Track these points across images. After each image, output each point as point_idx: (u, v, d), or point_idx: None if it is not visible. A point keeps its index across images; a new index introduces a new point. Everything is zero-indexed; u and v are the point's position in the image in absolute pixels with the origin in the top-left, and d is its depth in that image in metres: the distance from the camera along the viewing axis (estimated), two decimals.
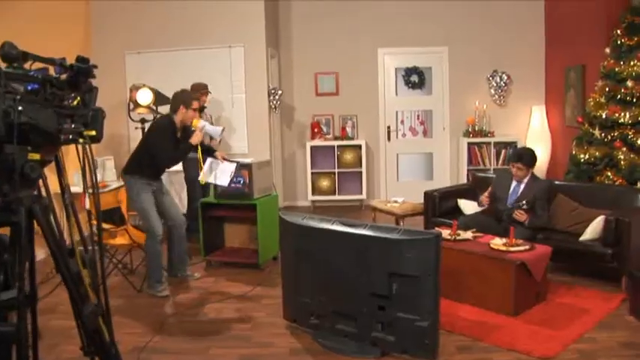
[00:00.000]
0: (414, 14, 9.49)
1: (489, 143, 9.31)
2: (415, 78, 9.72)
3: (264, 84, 8.63)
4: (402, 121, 9.90)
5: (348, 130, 9.78)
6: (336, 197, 9.67)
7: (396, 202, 7.19)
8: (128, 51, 8.68)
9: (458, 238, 5.32)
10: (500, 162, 9.25)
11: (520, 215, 5.64)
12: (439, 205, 6.70)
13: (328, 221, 4.33)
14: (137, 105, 7.24)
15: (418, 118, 9.88)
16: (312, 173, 9.64)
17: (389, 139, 9.83)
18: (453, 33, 9.48)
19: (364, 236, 4.06)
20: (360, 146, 9.53)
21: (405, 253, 3.85)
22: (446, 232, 5.44)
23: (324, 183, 9.65)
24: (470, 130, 9.39)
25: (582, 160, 6.58)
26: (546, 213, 5.77)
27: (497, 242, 5.12)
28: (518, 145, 9.19)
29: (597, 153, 6.44)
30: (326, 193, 9.67)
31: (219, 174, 6.07)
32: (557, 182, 6.35)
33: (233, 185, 6.27)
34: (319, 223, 4.37)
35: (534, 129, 9.27)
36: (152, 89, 7.28)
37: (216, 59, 8.55)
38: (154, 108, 7.34)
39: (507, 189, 5.95)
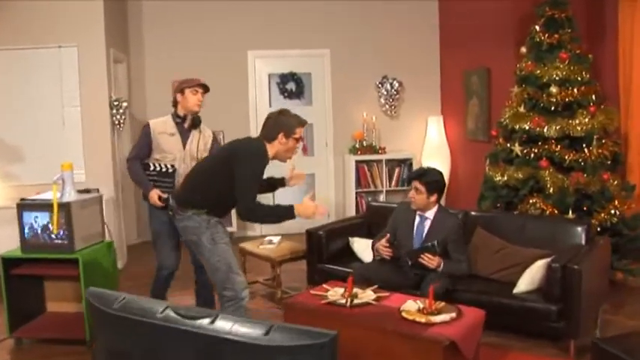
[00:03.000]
0: (291, 11, 8.04)
1: (380, 161, 7.98)
2: (292, 86, 8.24)
3: (104, 94, 6.83)
4: None
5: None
6: None
7: (271, 242, 5.62)
8: None
9: (356, 301, 3.80)
10: (393, 183, 7.94)
11: (429, 260, 4.23)
12: (326, 247, 5.19)
13: (156, 308, 2.66)
14: None
15: None
16: None
17: None
18: (335, 33, 8.11)
19: (211, 337, 2.42)
20: None
21: None
22: (338, 292, 3.94)
23: None
24: (357, 146, 8.02)
25: (500, 182, 5.30)
26: (465, 259, 4.42)
27: (411, 307, 3.64)
28: (414, 163, 7.92)
29: (519, 174, 5.17)
30: None
31: None
32: (473, 213, 5.00)
33: (42, 234, 4.57)
34: (144, 311, 2.68)
35: (431, 143, 8.04)
36: None
37: (43, 63, 6.69)
38: None
39: (410, 227, 4.55)
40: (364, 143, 8.02)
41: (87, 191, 6.58)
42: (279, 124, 4.02)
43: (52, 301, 5.15)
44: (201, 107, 4.71)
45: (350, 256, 5.21)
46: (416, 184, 4.41)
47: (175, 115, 4.63)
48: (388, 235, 4.55)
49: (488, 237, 4.67)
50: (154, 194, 4.47)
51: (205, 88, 4.75)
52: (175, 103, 4.66)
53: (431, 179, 4.39)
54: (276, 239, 5.66)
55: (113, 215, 6.84)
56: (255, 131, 7.98)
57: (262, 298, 5.65)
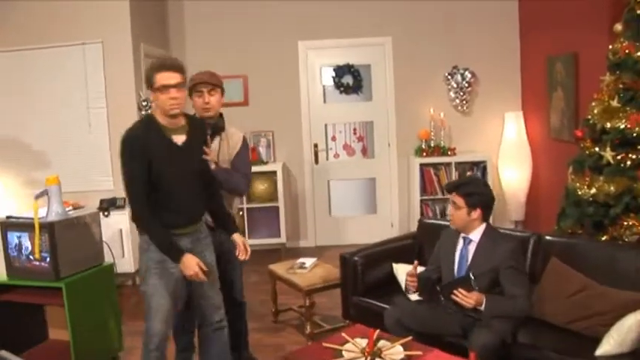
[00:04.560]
0: None
1: (449, 164, 6.89)
2: (349, 79, 7.27)
3: (131, 93, 6.15)
4: (334, 137, 7.44)
5: (262, 150, 7.32)
6: (247, 242, 7.15)
7: (302, 266, 4.71)
8: None
9: None
10: None
11: (463, 297, 3.23)
12: (363, 276, 4.22)
13: None
14: None
15: (355, 133, 7.44)
16: None
17: (317, 161, 7.38)
18: (397, 19, 7.11)
19: None
20: (274, 172, 7.03)
21: None
22: (359, 344, 3.03)
23: None
24: (423, 146, 6.96)
25: (585, 196, 4.15)
26: (523, 294, 3.33)
27: None
28: (488, 166, 6.79)
29: (611, 187, 4.01)
30: None
31: None
32: (547, 237, 3.89)
33: (24, 257, 3.93)
34: None
35: (509, 143, 6.89)
36: None
37: (66, 62, 6.15)
38: None
39: (452, 253, 3.59)
40: (431, 143, 6.97)
41: (113, 201, 6.01)
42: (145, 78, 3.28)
43: (54, 328, 4.54)
44: (212, 110, 3.72)
45: (394, 285, 4.22)
46: (454, 197, 3.49)
47: None
48: (416, 262, 3.60)
49: (565, 271, 3.57)
50: None
51: (212, 86, 3.73)
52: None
53: (472, 190, 3.46)
54: (309, 262, 4.76)
55: None
56: (308, 131, 7.15)
57: (293, 329, 4.82)
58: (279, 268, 4.86)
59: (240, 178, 3.73)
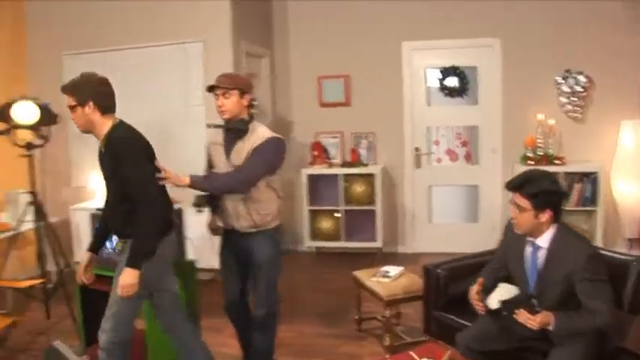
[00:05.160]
0: None
1: (557, 174, 6.45)
2: (454, 82, 7.01)
3: None
4: (437, 141, 7.22)
5: (362, 152, 7.22)
6: (342, 244, 7.11)
7: (387, 274, 4.56)
8: (66, 52, 6.62)
9: None
10: (572, 202, 6.38)
11: (526, 319, 2.91)
12: (445, 289, 4.03)
13: None
14: (14, 126, 5.01)
15: (459, 137, 7.18)
16: (309, 211, 7.13)
17: (418, 165, 7.18)
18: (507, 19, 6.76)
19: None
20: (373, 175, 6.91)
21: None
22: None
23: (325, 224, 7.11)
24: (530, 154, 6.59)
25: None
26: (603, 307, 2.89)
27: None
28: (600, 177, 6.34)
29: None
30: (328, 238, 7.13)
31: None
32: None
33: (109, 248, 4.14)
34: None
35: (625, 154, 6.39)
36: (38, 104, 5.05)
37: (168, 60, 6.33)
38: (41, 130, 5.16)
39: (520, 260, 3.21)
40: (538, 151, 6.58)
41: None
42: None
43: (139, 318, 4.63)
44: (227, 113, 3.61)
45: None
46: (516, 198, 3.06)
47: (225, 122, 3.72)
48: (481, 279, 3.31)
49: None
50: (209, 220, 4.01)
51: (225, 89, 3.61)
52: None
53: (538, 189, 2.99)
54: (394, 271, 4.60)
55: None
56: (410, 134, 7.00)
57: (374, 339, 4.69)
58: (363, 275, 4.74)
59: (228, 178, 3.56)
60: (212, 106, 6.02)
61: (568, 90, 6.61)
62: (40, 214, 5.22)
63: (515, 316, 2.97)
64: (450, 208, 7.44)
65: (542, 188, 3.00)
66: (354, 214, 7.06)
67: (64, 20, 6.66)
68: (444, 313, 3.98)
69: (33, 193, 5.19)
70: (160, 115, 6.30)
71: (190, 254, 4.74)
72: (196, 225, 5.57)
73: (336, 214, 7.09)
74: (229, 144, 3.65)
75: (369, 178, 6.95)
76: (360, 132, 7.24)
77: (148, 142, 3.49)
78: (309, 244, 7.22)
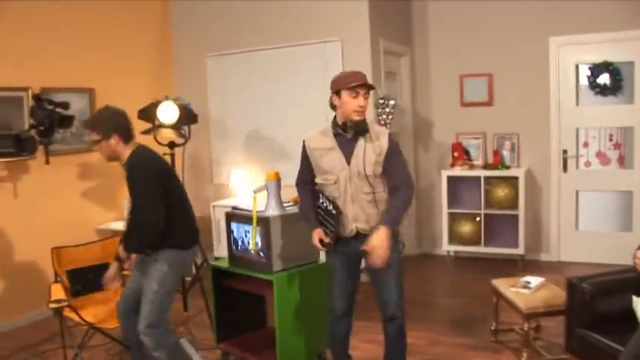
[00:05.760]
0: None
1: None
2: (606, 79, 6.51)
3: None
4: (586, 144, 6.76)
5: (505, 154, 6.92)
6: (482, 249, 6.85)
7: (527, 285, 4.31)
8: (209, 54, 6.95)
9: None
10: None
11: None
12: (591, 306, 3.73)
13: None
14: (159, 125, 5.27)
15: (611, 139, 6.67)
16: (449, 214, 6.93)
17: (565, 169, 6.76)
18: None
19: None
20: (516, 178, 6.60)
21: None
22: None
23: (465, 228, 6.89)
24: None
25: None
26: None
27: None
28: None
29: None
30: (467, 243, 6.90)
31: None
32: None
33: (243, 247, 4.21)
34: None
35: None
36: (180, 104, 5.28)
37: (308, 59, 6.44)
38: (182, 129, 5.39)
39: None
40: None
41: None
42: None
43: (273, 317, 4.73)
44: (364, 114, 3.49)
45: (631, 322, 3.64)
46: None
47: (334, 124, 3.57)
48: None
49: None
50: (317, 234, 3.62)
51: (369, 87, 3.49)
52: (334, 107, 3.58)
53: None
54: (535, 282, 4.33)
55: None
56: (556, 135, 6.67)
57: (511, 352, 4.47)
58: (502, 283, 4.51)
59: (404, 194, 3.55)
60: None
61: None
62: None
63: None
64: (600, 215, 6.94)
65: None
66: (496, 219, 6.79)
67: (206, 22, 6.99)
68: (589, 331, 3.67)
69: None
70: (301, 115, 6.39)
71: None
72: None
73: (477, 218, 6.85)
74: (347, 147, 3.52)
75: (512, 181, 6.65)
76: (503, 133, 6.94)
77: (161, 164, 3.78)
78: (447, 247, 7.02)
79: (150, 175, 3.60)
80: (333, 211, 3.51)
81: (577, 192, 6.79)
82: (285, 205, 4.22)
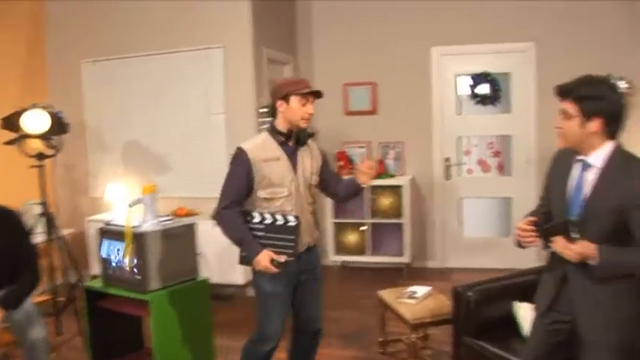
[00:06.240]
0: None
1: None
2: (486, 89, 6.68)
3: (250, 99, 5.99)
4: (468, 152, 6.88)
5: (390, 163, 6.92)
6: (369, 259, 6.80)
7: (413, 295, 4.25)
8: (86, 59, 6.54)
9: None
10: None
11: (562, 247, 2.48)
12: (478, 315, 3.69)
13: None
14: (24, 135, 4.83)
15: (491, 147, 6.84)
16: (334, 224, 6.84)
17: (448, 176, 6.85)
18: (542, 21, 6.42)
19: None
20: (400, 187, 6.60)
21: None
22: None
23: (351, 238, 6.81)
24: None
25: None
26: None
27: None
28: None
29: None
30: (354, 252, 6.83)
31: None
32: None
33: (117, 265, 3.87)
34: None
35: None
36: (50, 112, 4.87)
37: (188, 66, 6.15)
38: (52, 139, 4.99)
39: (564, 181, 2.63)
40: None
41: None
42: None
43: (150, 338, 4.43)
44: (310, 122, 3.35)
45: (514, 328, 3.64)
46: (565, 104, 2.55)
47: (274, 131, 3.33)
48: (532, 218, 2.66)
49: None
50: (266, 256, 3.18)
51: (318, 96, 3.36)
52: (274, 113, 3.36)
53: (589, 92, 2.49)
54: (422, 291, 4.28)
55: None
56: (439, 143, 6.68)
57: None
58: (388, 294, 4.43)
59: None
60: (234, 114, 5.90)
61: None
62: (51, 225, 5.05)
63: (552, 244, 2.53)
64: (482, 221, 7.09)
65: (595, 92, 2.50)
66: (381, 228, 6.74)
67: (83, 25, 6.53)
68: (475, 339, 3.65)
69: (44, 204, 5.02)
70: (181, 124, 6.14)
71: (203, 271, 4.49)
72: (211, 240, 5.39)
73: (362, 228, 6.79)
74: (292, 155, 3.34)
75: (396, 189, 6.63)
76: (388, 142, 6.94)
77: None
78: (333, 258, 6.92)
79: None
80: (292, 224, 3.21)
81: (460, 199, 6.90)
82: (162, 219, 3.95)
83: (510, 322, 3.65)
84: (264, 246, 3.21)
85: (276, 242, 3.22)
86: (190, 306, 3.97)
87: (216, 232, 5.57)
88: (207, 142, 6.05)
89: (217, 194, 5.98)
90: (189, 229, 4.06)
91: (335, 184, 3.60)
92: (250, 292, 6.03)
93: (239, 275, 5.72)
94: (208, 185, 6.01)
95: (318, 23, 7.08)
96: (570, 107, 2.52)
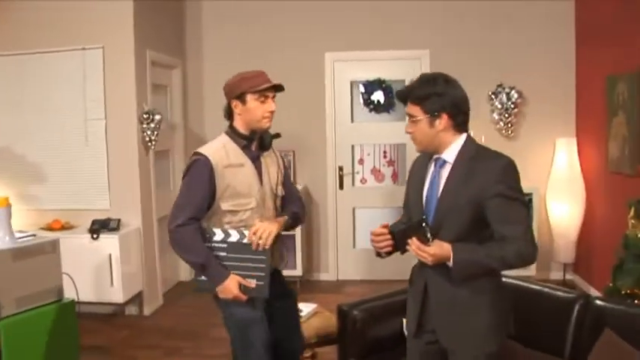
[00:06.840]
0: (379, 3, 6.39)
1: None
2: (380, 96, 6.52)
3: (132, 104, 5.55)
4: (362, 160, 6.69)
5: None
6: None
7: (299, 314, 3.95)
8: None
9: None
10: None
11: (416, 250, 2.35)
12: (362, 333, 3.43)
13: None
14: None
15: (385, 156, 6.68)
16: None
17: (341, 186, 6.63)
18: (436, 29, 6.37)
19: None
20: None
21: None
22: None
23: None
24: None
25: None
26: (524, 236, 2.32)
27: None
28: (535, 199, 5.97)
29: None
30: None
31: None
32: (598, 302, 3.06)
33: None
34: None
35: (560, 173, 6.03)
36: None
37: (64, 68, 5.64)
38: None
39: (422, 182, 2.54)
40: None
41: (105, 223, 5.38)
42: None
43: None
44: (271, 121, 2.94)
45: (404, 346, 3.41)
46: (409, 108, 2.47)
47: (235, 134, 2.92)
48: (386, 223, 2.61)
49: (622, 348, 2.74)
50: (235, 281, 2.74)
51: (278, 89, 2.97)
52: (230, 115, 2.94)
53: (428, 91, 2.39)
54: (307, 309, 3.99)
55: (142, 254, 5.60)
56: (332, 152, 6.45)
57: None
58: None
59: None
60: (115, 120, 5.44)
61: (500, 106, 6.21)
62: None
63: (408, 247, 2.39)
64: None
65: (432, 90, 2.39)
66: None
67: None
68: (364, 359, 3.39)
69: None
70: (58, 130, 5.65)
71: (76, 290, 4.03)
72: (88, 255, 4.98)
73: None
74: (256, 161, 2.93)
75: None
76: (279, 149, 6.58)
77: None
78: None
79: None
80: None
81: (354, 209, 6.69)
82: (18, 236, 3.48)
83: (402, 340, 3.41)
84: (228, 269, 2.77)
85: (241, 263, 2.77)
86: (54, 331, 3.53)
87: (94, 245, 5.18)
88: (87, 150, 5.57)
89: (98, 206, 5.57)
90: (52, 246, 3.62)
91: (288, 203, 3.10)
92: (131, 309, 5.59)
93: (118, 293, 5.26)
94: (88, 197, 5.60)
95: (208, 26, 6.71)
96: (414, 109, 2.44)
